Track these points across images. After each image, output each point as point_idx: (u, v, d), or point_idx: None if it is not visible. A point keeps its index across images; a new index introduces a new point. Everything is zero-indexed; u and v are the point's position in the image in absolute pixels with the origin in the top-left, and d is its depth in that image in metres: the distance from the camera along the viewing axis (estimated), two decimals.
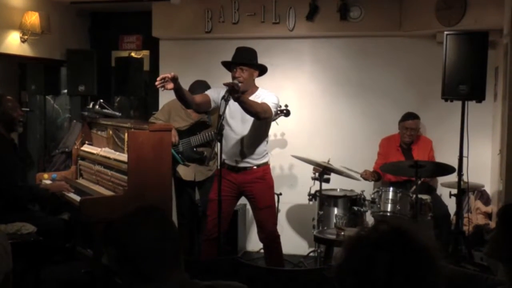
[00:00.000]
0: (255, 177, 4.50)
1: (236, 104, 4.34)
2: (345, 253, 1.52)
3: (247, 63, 4.37)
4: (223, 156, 4.45)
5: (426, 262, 1.46)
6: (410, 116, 5.61)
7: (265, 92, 4.46)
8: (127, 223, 1.94)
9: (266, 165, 4.58)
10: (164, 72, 6.60)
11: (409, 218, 4.88)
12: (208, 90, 4.53)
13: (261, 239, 4.66)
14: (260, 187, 4.51)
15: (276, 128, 5.78)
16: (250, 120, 4.37)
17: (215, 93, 4.37)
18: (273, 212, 4.70)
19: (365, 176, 5.51)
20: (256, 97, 4.41)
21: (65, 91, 6.82)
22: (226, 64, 4.49)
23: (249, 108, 4.10)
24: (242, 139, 4.42)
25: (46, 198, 4.85)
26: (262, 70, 4.51)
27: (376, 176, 5.62)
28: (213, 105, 4.36)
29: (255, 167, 4.49)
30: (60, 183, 4.98)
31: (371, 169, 5.64)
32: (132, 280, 1.90)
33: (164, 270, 1.90)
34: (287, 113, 5.50)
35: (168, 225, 1.98)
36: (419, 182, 4.93)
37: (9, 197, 4.57)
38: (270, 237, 4.58)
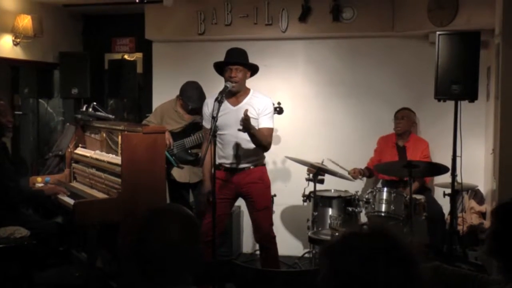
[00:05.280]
0: (253, 177, 4.52)
1: (230, 106, 4.35)
2: (326, 258, 1.52)
3: (242, 62, 4.39)
4: (220, 159, 4.46)
5: (407, 265, 1.45)
6: (404, 108, 5.67)
7: (259, 97, 4.47)
8: (151, 225, 1.90)
9: (263, 165, 4.62)
10: (157, 74, 6.65)
11: (403, 218, 4.89)
12: (203, 121, 4.61)
13: (257, 240, 4.69)
14: (258, 188, 4.53)
15: None
16: None
17: (207, 112, 4.43)
18: (270, 213, 4.75)
19: (354, 175, 5.51)
20: (249, 101, 4.43)
21: (58, 94, 6.80)
22: (217, 67, 4.49)
23: (256, 141, 4.30)
24: (238, 141, 4.42)
25: (41, 200, 4.82)
26: (254, 71, 4.53)
27: (367, 173, 5.62)
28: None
29: (252, 167, 4.51)
30: (54, 186, 4.95)
31: (363, 168, 5.65)
32: (151, 284, 1.88)
33: (187, 273, 1.87)
34: (280, 111, 5.51)
35: (193, 227, 1.95)
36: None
37: (3, 198, 4.55)
38: (266, 238, 4.60)
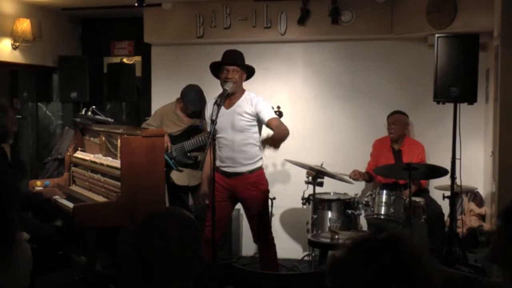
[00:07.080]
0: (247, 183, 4.48)
1: (224, 109, 4.34)
2: (342, 259, 1.52)
3: (239, 63, 4.38)
4: (217, 162, 4.45)
5: (421, 268, 1.46)
6: (395, 112, 5.67)
7: (256, 98, 4.45)
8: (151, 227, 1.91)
9: (259, 170, 4.56)
10: (156, 78, 6.66)
11: (403, 221, 4.89)
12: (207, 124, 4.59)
13: (255, 242, 4.69)
14: (253, 195, 4.50)
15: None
16: (240, 126, 4.38)
17: (208, 115, 4.42)
18: (267, 218, 4.71)
19: (354, 176, 5.51)
20: (245, 101, 4.42)
21: (57, 97, 6.80)
22: (213, 68, 4.48)
23: (282, 140, 4.29)
24: (233, 145, 4.41)
25: (40, 203, 4.81)
26: (250, 74, 4.51)
27: (367, 176, 5.63)
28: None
29: (247, 173, 4.48)
30: (53, 189, 4.94)
31: (363, 171, 5.65)
32: (151, 287, 1.88)
33: (187, 276, 1.88)
34: (280, 115, 5.50)
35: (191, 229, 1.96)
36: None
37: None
38: (264, 243, 4.61)
